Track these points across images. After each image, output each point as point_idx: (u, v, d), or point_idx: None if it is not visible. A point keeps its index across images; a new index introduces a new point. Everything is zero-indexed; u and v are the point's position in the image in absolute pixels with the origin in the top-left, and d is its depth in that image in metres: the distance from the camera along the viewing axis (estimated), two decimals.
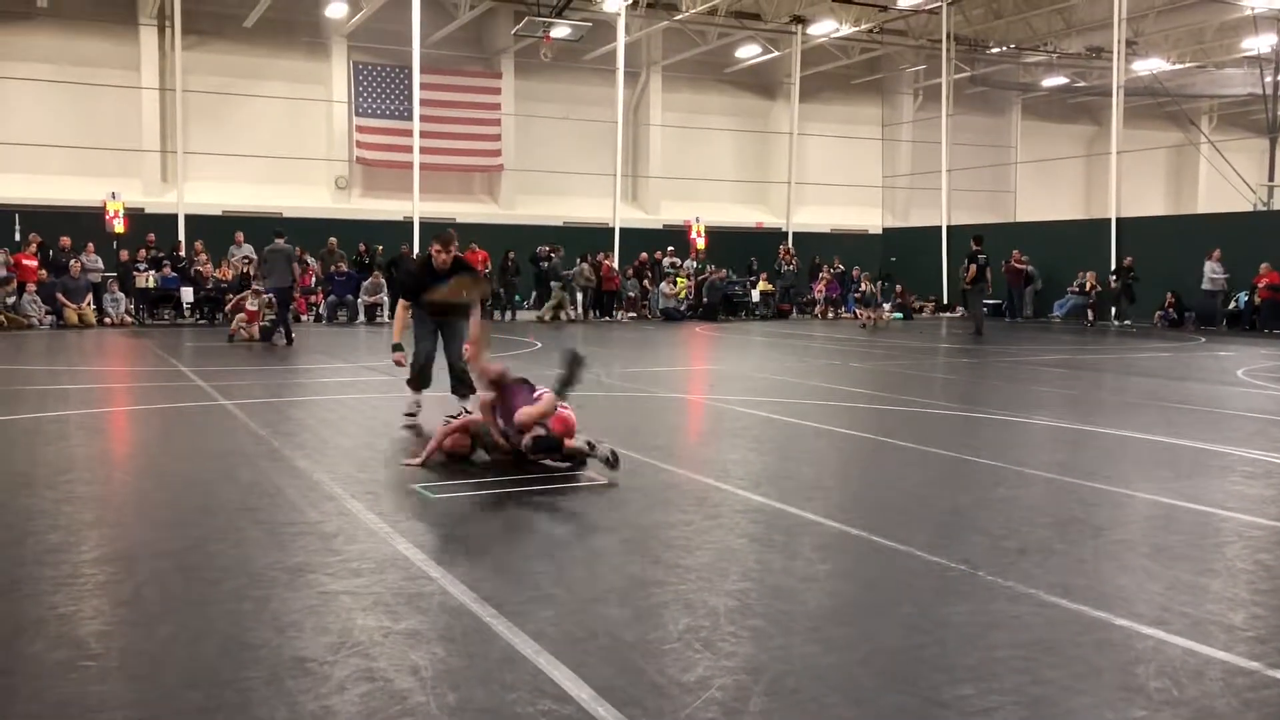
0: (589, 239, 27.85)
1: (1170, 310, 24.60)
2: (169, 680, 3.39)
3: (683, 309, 26.18)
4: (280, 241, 17.23)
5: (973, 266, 21.37)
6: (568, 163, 31.23)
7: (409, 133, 27.55)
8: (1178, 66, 33.77)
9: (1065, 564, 4.82)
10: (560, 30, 25.74)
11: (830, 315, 27.67)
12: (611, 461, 6.42)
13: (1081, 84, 36.22)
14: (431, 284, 8.48)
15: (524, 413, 6.58)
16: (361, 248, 24.64)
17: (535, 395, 6.74)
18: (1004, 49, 33.69)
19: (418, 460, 6.86)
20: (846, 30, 30.98)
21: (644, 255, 27.36)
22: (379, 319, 22.20)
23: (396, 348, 8.53)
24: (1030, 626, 3.97)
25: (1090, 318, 25.92)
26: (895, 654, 3.68)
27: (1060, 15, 32.03)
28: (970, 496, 6.29)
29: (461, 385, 8.66)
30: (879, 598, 4.33)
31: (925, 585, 4.47)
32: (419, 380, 8.64)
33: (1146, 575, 4.66)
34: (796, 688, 3.38)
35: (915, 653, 3.70)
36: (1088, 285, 26.90)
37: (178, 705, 3.21)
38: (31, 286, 20.42)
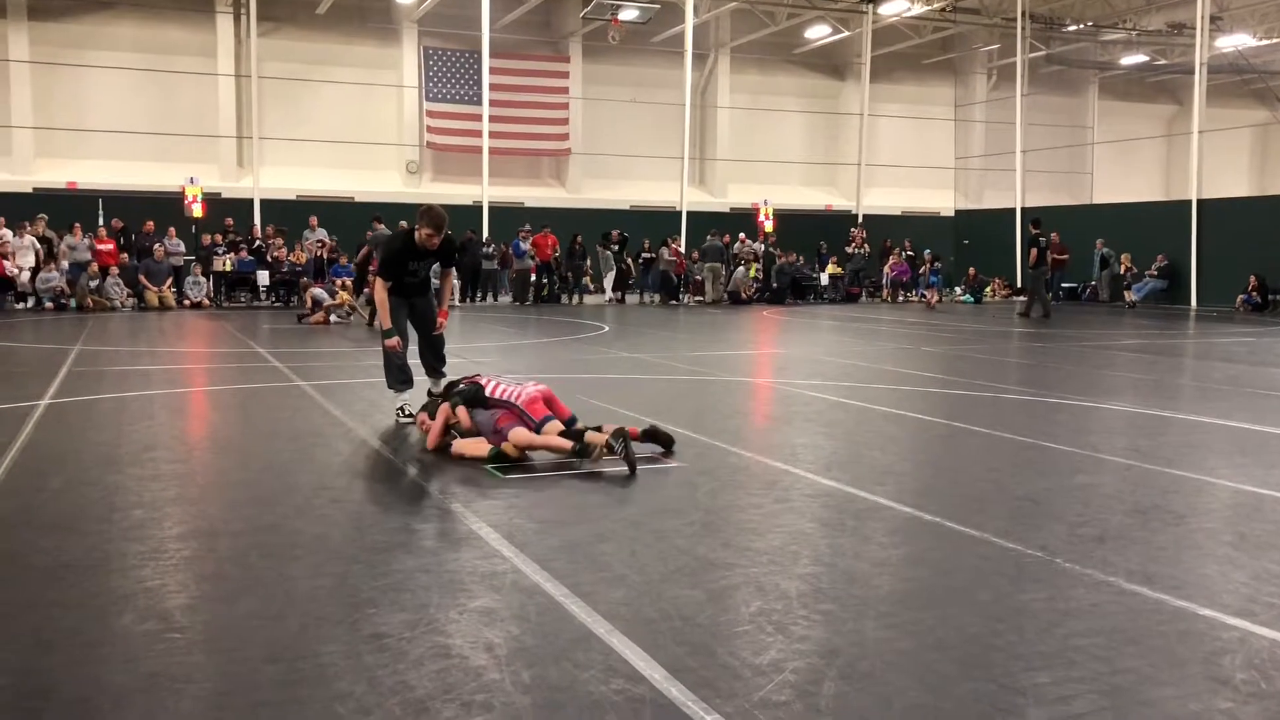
0: (656, 222, 27.82)
1: (1254, 294, 23.92)
2: (252, 653, 3.47)
3: (751, 293, 26.03)
4: (381, 226, 17.98)
5: (1033, 250, 21.30)
6: (635, 146, 31.22)
7: (478, 117, 27.76)
8: (1264, 42, 32.66)
9: (1146, 552, 4.72)
10: (628, 13, 25.74)
11: (900, 299, 27.40)
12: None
13: (1162, 62, 35.24)
14: (414, 263, 7.94)
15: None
16: None
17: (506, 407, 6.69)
18: (1081, 27, 32.88)
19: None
20: (918, 9, 30.50)
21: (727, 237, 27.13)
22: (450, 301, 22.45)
23: (389, 334, 7.84)
24: (1110, 614, 3.89)
25: (1130, 300, 25.71)
26: (971, 640, 3.64)
27: None
28: (1046, 483, 6.17)
29: (436, 359, 8.39)
30: (954, 583, 4.28)
31: (1001, 571, 4.41)
32: (403, 377, 8.00)
33: (1231, 564, 4.55)
34: (870, 672, 3.36)
35: (991, 639, 3.65)
36: (1122, 268, 26.41)
37: (260, 678, 3.29)
38: (114, 270, 20.99)
